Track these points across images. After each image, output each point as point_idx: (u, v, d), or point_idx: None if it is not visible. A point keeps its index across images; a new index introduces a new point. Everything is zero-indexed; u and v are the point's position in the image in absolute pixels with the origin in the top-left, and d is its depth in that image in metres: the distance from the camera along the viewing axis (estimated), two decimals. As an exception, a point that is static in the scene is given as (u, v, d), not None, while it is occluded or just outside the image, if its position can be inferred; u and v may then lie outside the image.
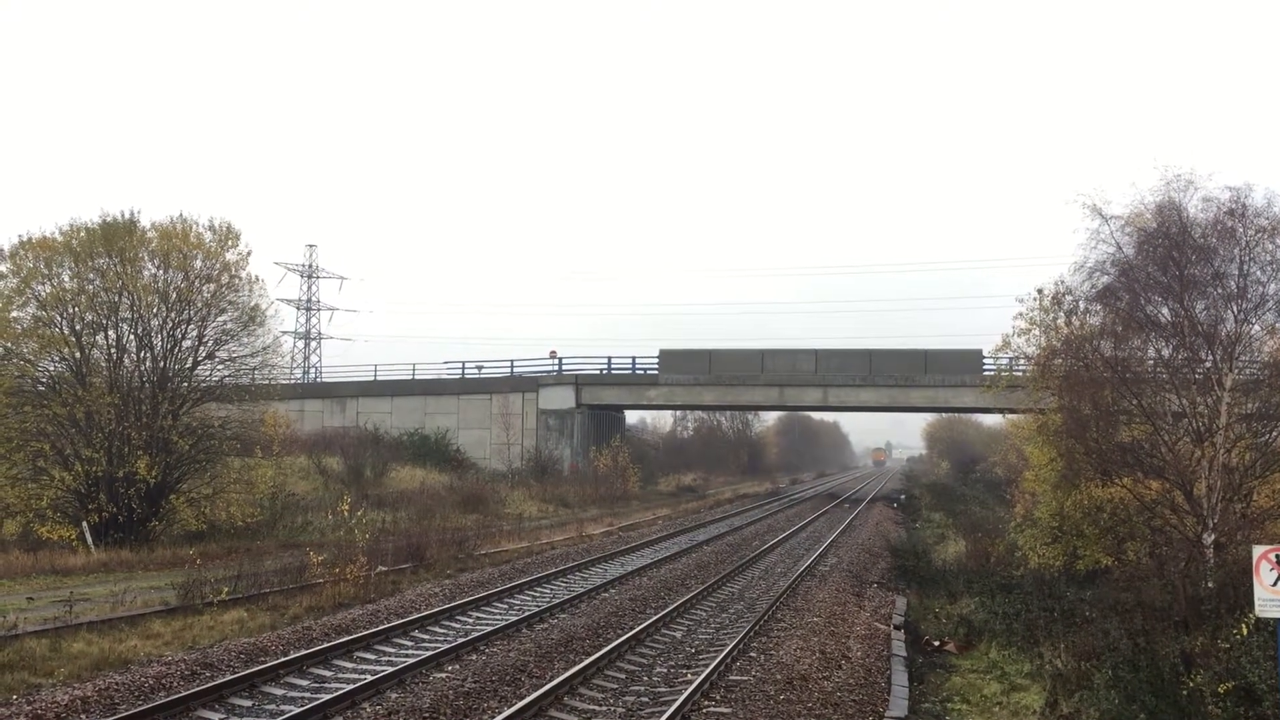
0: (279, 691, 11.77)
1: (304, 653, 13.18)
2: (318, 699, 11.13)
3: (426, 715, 10.85)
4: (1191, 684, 10.38)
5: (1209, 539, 16.09)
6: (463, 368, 58.92)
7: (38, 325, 25.67)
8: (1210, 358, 17.16)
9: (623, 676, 12.95)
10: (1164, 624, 13.23)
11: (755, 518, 41.56)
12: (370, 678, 11.94)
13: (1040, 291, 21.65)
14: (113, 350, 26.86)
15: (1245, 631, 11.23)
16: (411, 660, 12.99)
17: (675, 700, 11.31)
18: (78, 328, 26.10)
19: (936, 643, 16.16)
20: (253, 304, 28.43)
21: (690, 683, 12.22)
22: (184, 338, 27.41)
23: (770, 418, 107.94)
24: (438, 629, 15.74)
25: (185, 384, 27.53)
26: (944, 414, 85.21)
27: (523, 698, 11.39)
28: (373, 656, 13.71)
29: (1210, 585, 14.74)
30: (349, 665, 13.14)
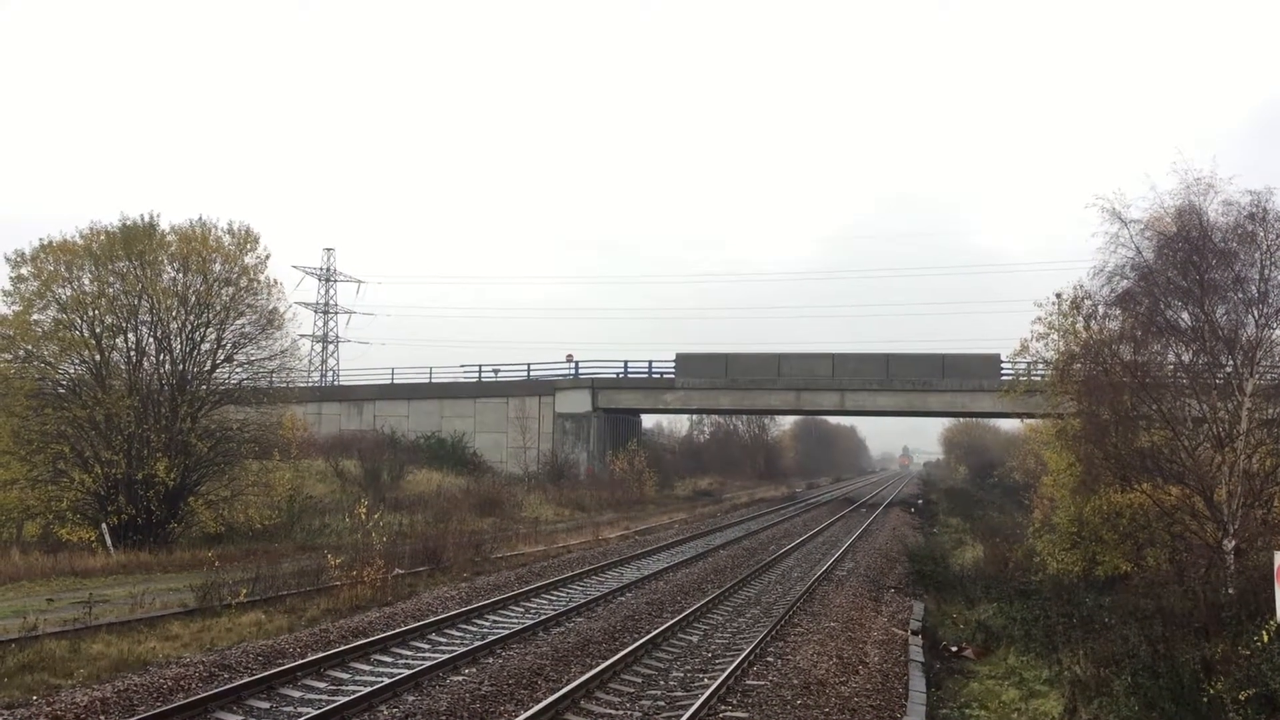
0: (296, 694, 11.81)
1: (321, 655, 13.21)
2: (335, 701, 11.17)
3: (443, 718, 10.87)
4: (1212, 691, 10.28)
5: (1229, 545, 15.98)
6: (479, 371, 59.03)
7: (58, 328, 25.87)
8: (1231, 363, 17.03)
9: (639, 680, 12.94)
10: (1184, 630, 13.10)
11: (771, 522, 41.47)
12: (387, 680, 11.97)
13: (1059, 296, 21.52)
14: (132, 353, 27.06)
15: (1266, 638, 11.13)
16: (428, 663, 13.01)
17: (692, 705, 11.28)
18: (98, 330, 26.29)
19: (954, 648, 16.07)
20: (271, 307, 28.67)
21: (707, 687, 12.20)
22: (203, 341, 27.62)
23: (787, 422, 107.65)
24: (454, 632, 15.77)
25: (204, 387, 27.72)
26: (962, 419, 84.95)
27: (539, 701, 11.39)
28: (389, 659, 13.75)
29: (1231, 591, 14.64)
30: (366, 668, 13.17)
